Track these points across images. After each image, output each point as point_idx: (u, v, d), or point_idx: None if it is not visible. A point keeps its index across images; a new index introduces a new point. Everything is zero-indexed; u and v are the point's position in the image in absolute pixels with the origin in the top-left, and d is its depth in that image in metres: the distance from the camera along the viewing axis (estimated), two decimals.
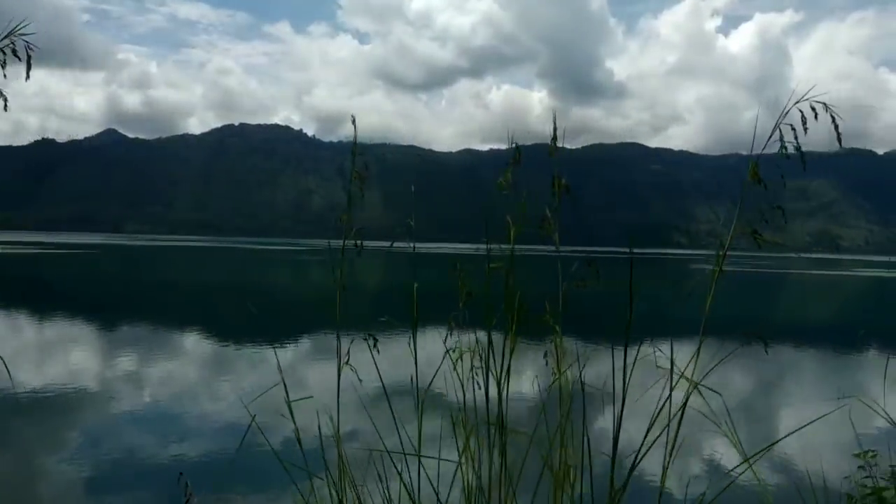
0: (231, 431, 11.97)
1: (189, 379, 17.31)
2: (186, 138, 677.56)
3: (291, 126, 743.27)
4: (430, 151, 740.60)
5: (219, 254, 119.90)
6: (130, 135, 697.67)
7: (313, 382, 16.13)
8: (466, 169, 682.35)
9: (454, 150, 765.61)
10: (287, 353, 21.11)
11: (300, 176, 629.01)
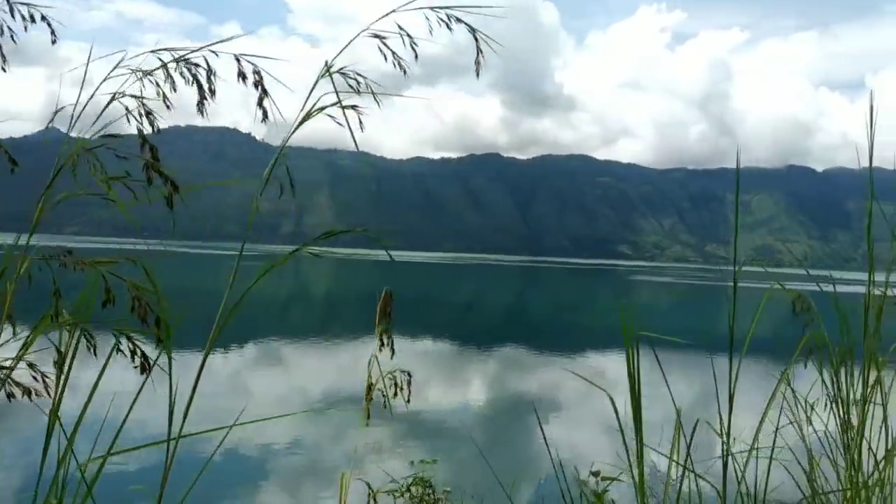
0: None
1: None
2: (131, 139, 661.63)
3: (240, 129, 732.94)
4: (382, 158, 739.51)
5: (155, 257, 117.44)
6: (73, 134, 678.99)
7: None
8: (418, 177, 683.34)
9: (405, 157, 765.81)
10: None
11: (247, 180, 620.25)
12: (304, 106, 1.96)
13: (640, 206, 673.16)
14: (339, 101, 1.95)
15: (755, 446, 2.38)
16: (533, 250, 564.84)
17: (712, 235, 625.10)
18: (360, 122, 2.00)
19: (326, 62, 1.96)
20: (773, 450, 2.50)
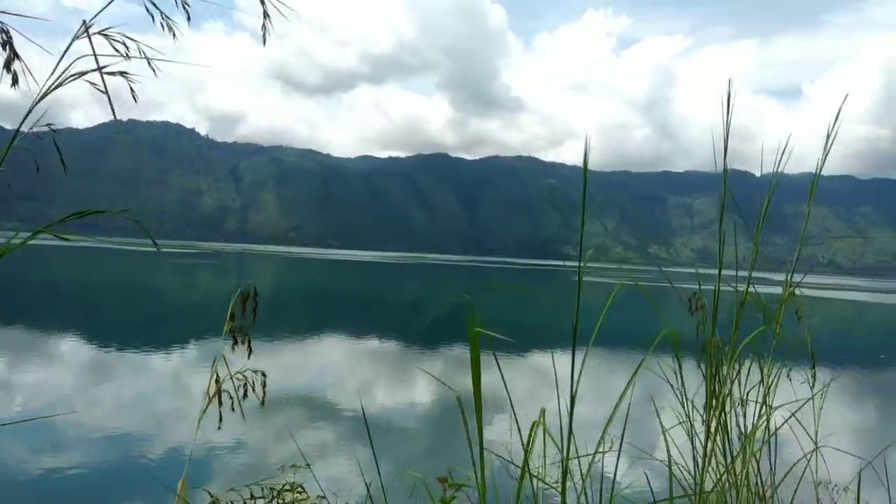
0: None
1: None
2: (70, 132, 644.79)
3: (183, 124, 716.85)
4: (328, 156, 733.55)
5: (93, 254, 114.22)
6: (7, 126, 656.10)
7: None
8: (365, 175, 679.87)
9: (353, 155, 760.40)
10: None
11: (190, 176, 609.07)
12: (53, 70, 1.61)
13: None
14: (100, 67, 1.63)
15: (599, 450, 2.27)
16: (479, 251, 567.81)
17: (654, 237, 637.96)
18: (133, 92, 1.72)
19: (84, 21, 1.64)
20: (619, 451, 2.42)
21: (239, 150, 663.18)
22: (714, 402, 2.52)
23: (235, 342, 2.50)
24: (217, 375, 2.47)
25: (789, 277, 2.80)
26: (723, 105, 2.44)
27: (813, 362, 2.97)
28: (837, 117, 2.54)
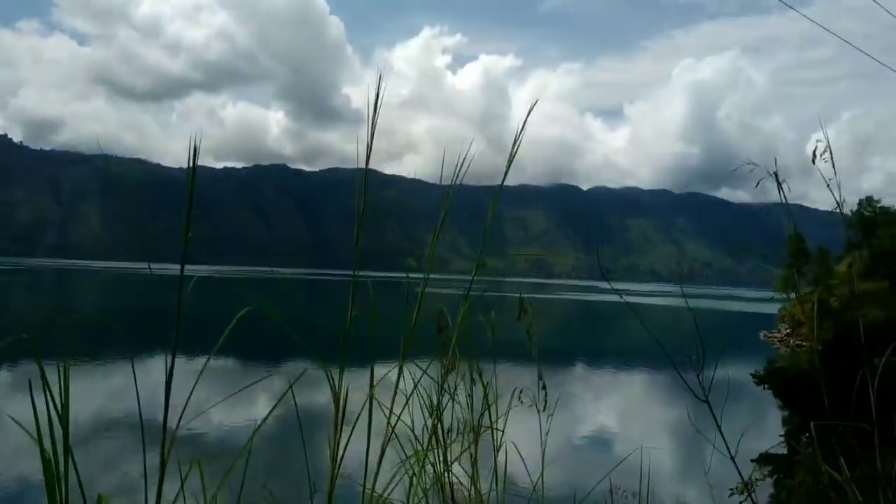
0: None
1: None
2: None
3: None
4: (159, 166, 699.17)
5: None
6: None
7: None
8: (199, 187, 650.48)
9: (185, 165, 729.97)
10: None
11: (2, 186, 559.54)
12: None
13: (423, 219, 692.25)
14: None
15: None
16: (320, 263, 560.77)
17: (490, 249, 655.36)
18: None
19: None
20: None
21: (58, 159, 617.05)
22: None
23: None
24: None
25: (468, 287, 2.63)
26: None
27: (542, 382, 2.87)
28: (524, 125, 2.55)
